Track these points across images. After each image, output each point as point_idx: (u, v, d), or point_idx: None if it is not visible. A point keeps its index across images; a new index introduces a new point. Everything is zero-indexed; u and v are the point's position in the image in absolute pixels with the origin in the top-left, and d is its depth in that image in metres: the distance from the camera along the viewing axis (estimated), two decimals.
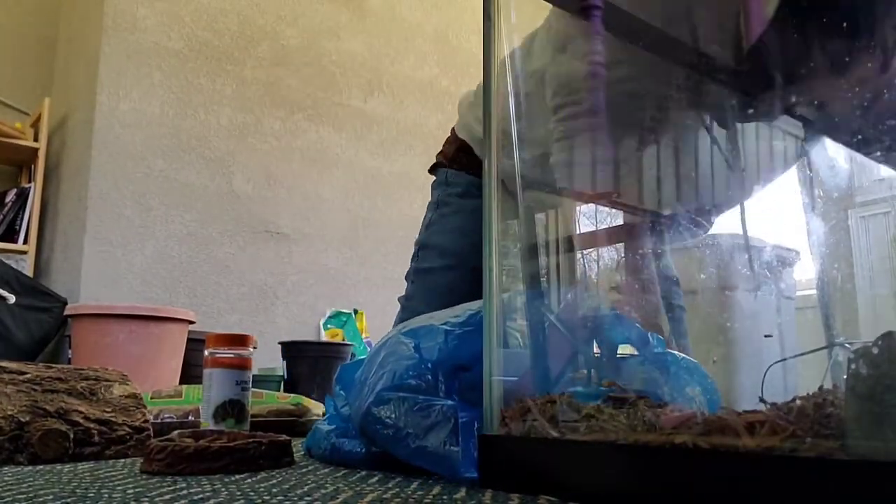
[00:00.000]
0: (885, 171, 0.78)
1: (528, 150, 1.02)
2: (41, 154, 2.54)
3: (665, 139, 0.92)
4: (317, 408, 1.29)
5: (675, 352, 0.71)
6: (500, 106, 0.72)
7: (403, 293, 1.24)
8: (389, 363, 0.69)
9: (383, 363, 0.70)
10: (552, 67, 0.94)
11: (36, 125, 2.66)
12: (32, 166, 2.61)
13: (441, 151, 1.30)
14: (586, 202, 0.91)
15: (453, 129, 1.28)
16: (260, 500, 0.51)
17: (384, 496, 0.53)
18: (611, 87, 0.88)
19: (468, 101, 1.26)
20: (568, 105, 0.91)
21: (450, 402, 0.63)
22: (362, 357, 0.80)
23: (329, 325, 2.69)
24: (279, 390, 2.03)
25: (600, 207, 0.90)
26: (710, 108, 0.86)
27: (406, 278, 1.25)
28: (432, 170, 1.31)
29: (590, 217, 0.93)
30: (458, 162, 1.23)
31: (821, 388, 0.48)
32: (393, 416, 0.65)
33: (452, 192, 1.22)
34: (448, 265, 1.17)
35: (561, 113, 0.91)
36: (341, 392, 0.80)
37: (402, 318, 1.20)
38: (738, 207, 0.89)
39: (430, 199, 1.28)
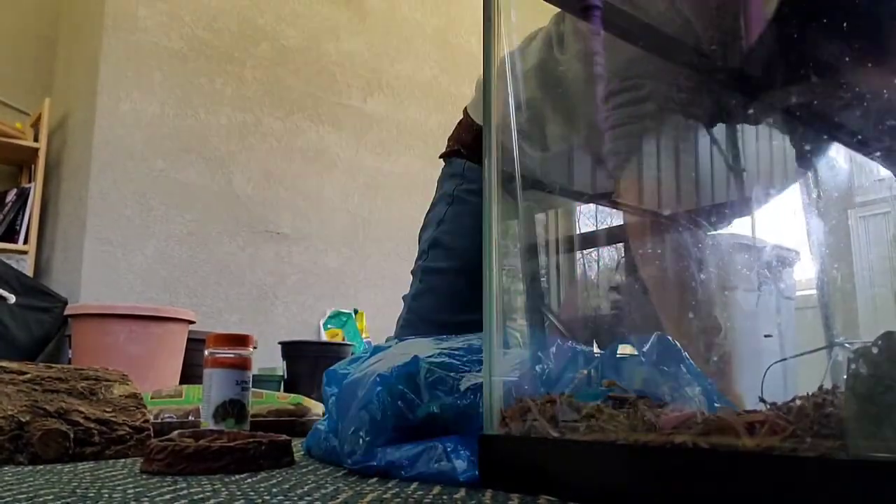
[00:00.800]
0: (885, 171, 0.78)
1: (552, 145, 1.00)
2: (41, 154, 2.54)
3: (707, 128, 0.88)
4: (317, 408, 1.29)
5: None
6: (502, 100, 0.72)
7: (409, 290, 1.20)
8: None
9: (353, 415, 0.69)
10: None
11: (36, 125, 2.66)
12: (33, 166, 2.61)
13: (454, 136, 1.21)
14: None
15: (465, 110, 1.20)
16: (260, 500, 0.51)
17: (384, 496, 0.53)
18: (667, 72, 0.83)
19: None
20: (626, 90, 0.85)
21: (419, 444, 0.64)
22: (345, 372, 0.78)
23: (329, 325, 2.69)
24: (279, 390, 2.03)
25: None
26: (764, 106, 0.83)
27: (412, 274, 1.20)
28: (445, 157, 1.22)
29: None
30: (477, 152, 1.13)
31: (820, 387, 0.48)
32: (375, 463, 0.65)
33: (469, 188, 1.15)
34: (459, 268, 1.13)
35: (618, 99, 0.85)
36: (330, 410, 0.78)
37: (406, 319, 1.17)
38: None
39: (438, 189, 1.21)
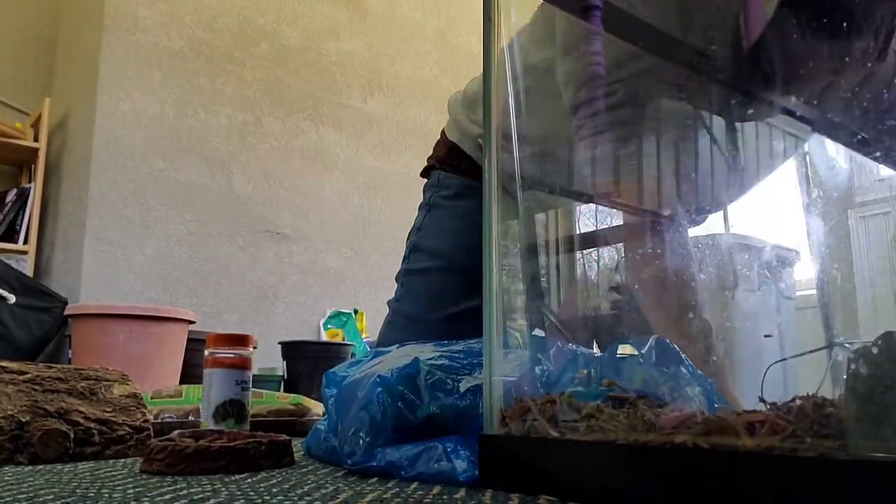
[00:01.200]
0: (884, 171, 0.78)
1: (530, 148, 1.00)
2: (41, 154, 2.55)
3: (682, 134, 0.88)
4: (317, 408, 1.29)
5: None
6: (500, 103, 0.72)
7: (393, 295, 1.24)
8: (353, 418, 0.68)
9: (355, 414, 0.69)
10: (569, 64, 0.89)
11: (36, 125, 2.66)
12: (33, 166, 2.61)
13: (431, 155, 1.28)
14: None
15: (443, 131, 1.26)
16: (260, 500, 0.51)
17: (384, 496, 0.53)
18: (637, 78, 0.83)
19: (457, 99, 1.23)
20: (596, 100, 0.86)
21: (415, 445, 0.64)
22: (344, 375, 0.78)
23: (329, 325, 2.69)
24: (279, 390, 2.03)
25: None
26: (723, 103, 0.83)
27: (396, 280, 1.24)
28: (424, 173, 1.29)
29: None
30: (449, 164, 1.21)
31: (820, 387, 0.48)
32: (374, 463, 0.65)
33: (444, 195, 1.20)
34: (438, 266, 1.16)
35: (587, 109, 0.86)
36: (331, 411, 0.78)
37: (390, 321, 1.20)
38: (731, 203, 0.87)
39: (421, 201, 1.27)
